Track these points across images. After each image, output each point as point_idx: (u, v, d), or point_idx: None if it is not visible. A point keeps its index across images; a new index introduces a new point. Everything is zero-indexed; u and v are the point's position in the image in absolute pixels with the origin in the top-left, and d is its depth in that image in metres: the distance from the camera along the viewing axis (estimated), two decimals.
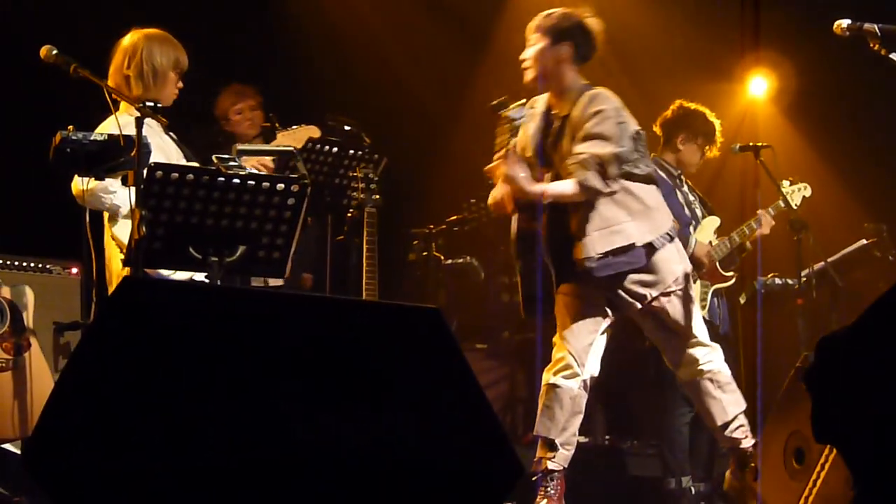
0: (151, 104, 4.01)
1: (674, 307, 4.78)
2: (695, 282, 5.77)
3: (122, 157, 3.87)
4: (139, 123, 3.84)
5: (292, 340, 2.59)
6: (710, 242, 5.93)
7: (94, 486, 2.42)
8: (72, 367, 2.52)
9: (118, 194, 4.24)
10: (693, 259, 5.75)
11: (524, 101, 4.77)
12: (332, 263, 5.80)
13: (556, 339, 4.82)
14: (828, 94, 7.42)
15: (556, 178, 4.72)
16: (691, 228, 5.87)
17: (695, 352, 4.82)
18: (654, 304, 4.77)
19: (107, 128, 4.31)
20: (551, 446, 4.73)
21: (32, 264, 5.57)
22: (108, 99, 4.15)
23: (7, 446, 5.01)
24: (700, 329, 4.86)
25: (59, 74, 4.11)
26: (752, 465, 4.78)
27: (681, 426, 5.71)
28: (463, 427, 2.65)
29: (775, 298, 6.38)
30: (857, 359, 2.62)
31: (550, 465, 4.73)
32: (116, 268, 4.40)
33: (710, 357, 4.83)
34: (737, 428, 4.84)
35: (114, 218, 4.34)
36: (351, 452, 2.56)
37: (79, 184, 4.20)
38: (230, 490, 2.49)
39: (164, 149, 4.49)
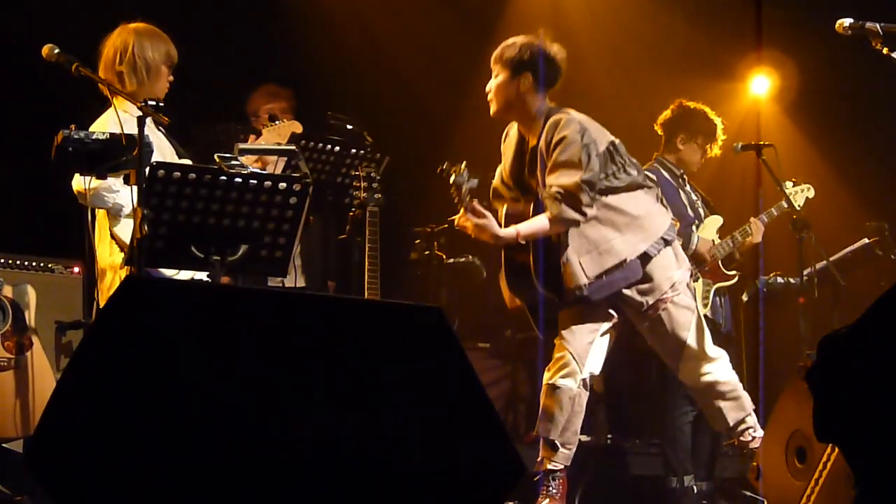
0: (153, 103, 4.00)
1: (670, 317, 4.75)
2: (697, 279, 5.77)
3: (124, 156, 3.86)
4: (141, 123, 3.83)
5: (294, 340, 2.59)
6: (713, 241, 5.92)
7: (95, 486, 2.43)
8: (73, 366, 2.52)
9: (121, 193, 4.23)
10: (696, 255, 5.75)
11: (464, 162, 4.67)
12: (335, 262, 5.79)
13: (556, 339, 4.82)
14: (830, 92, 7.41)
15: (538, 204, 4.70)
16: (694, 227, 5.87)
17: (693, 364, 4.80)
18: (651, 312, 4.75)
19: (102, 125, 4.28)
20: (552, 447, 4.74)
21: (34, 263, 5.58)
22: (110, 97, 4.15)
23: (9, 445, 5.02)
24: (701, 339, 4.80)
25: (60, 73, 4.10)
26: (755, 464, 4.77)
27: (682, 425, 5.71)
28: (464, 426, 2.66)
29: (777, 297, 6.37)
30: (858, 358, 2.62)
31: (552, 465, 4.73)
32: (104, 262, 4.37)
33: (710, 369, 4.80)
34: (743, 431, 4.83)
35: (115, 217, 4.33)
36: (352, 451, 2.56)
37: (81, 183, 4.19)
38: (231, 490, 2.49)
39: (159, 145, 4.48)
